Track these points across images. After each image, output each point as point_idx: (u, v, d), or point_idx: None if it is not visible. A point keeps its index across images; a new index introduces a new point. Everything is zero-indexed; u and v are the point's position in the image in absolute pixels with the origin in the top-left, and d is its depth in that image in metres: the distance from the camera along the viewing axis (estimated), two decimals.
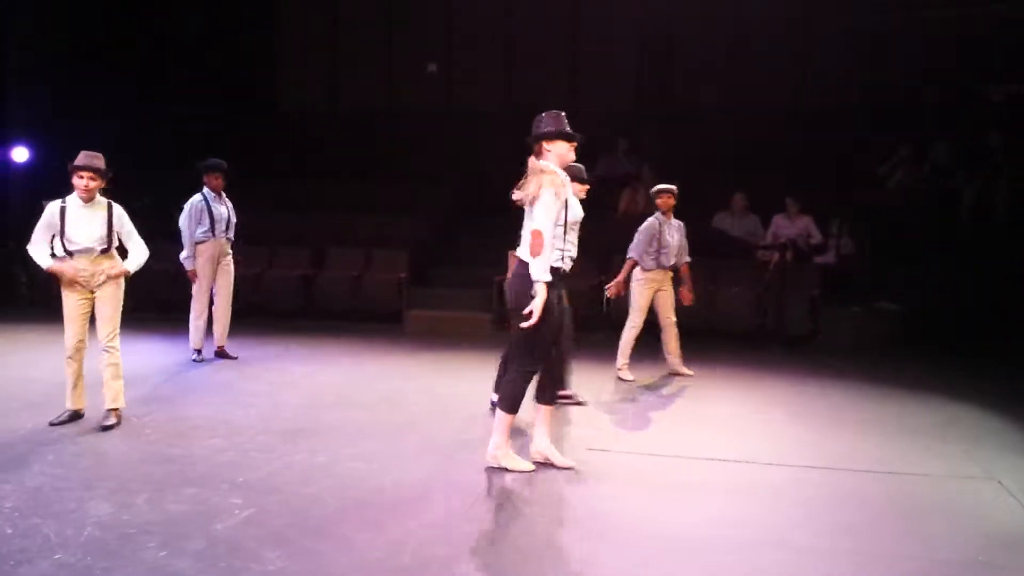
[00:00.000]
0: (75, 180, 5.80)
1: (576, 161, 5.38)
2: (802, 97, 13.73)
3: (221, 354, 8.54)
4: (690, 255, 8.18)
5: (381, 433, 5.89)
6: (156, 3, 13.89)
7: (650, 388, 7.75)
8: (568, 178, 5.02)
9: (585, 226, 5.26)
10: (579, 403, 6.81)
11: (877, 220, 11.64)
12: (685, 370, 8.20)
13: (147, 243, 6.11)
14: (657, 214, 7.88)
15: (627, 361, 7.99)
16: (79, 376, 5.92)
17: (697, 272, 10.78)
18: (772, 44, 13.60)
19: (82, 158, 5.82)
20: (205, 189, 8.35)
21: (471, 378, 7.58)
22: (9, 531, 3.94)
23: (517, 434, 5.49)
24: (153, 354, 8.47)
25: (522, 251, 4.91)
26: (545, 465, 5.18)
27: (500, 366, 6.29)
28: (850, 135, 12.64)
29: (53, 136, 12.03)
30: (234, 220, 8.52)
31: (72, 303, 5.86)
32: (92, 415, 5.96)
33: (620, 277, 7.87)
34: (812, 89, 13.70)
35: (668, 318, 8.10)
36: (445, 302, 11.06)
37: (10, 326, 10.08)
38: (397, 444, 5.64)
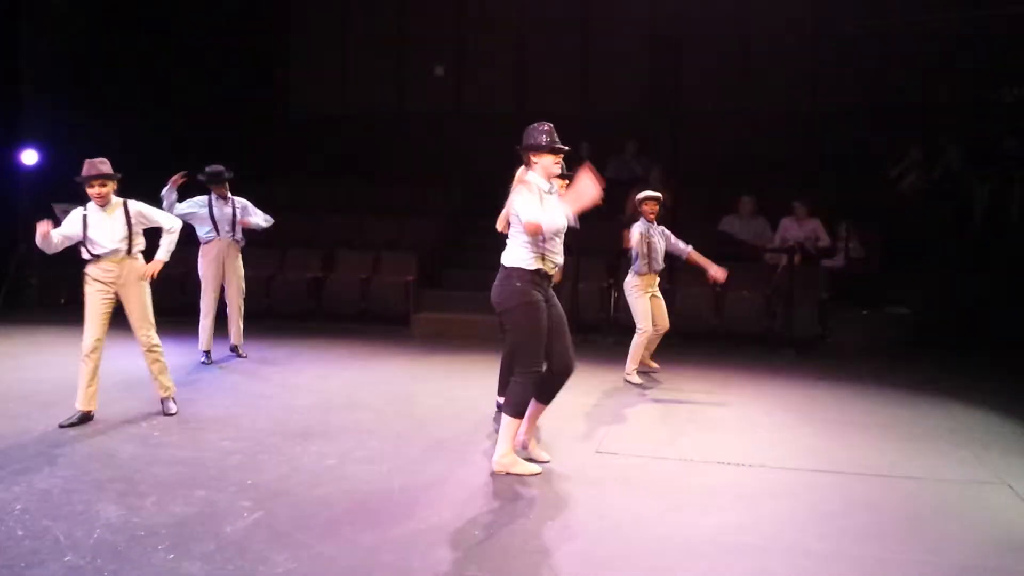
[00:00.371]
0: (88, 191, 5.93)
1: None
2: (812, 99, 13.71)
3: (234, 351, 8.70)
4: (711, 266, 8.06)
5: (390, 435, 5.89)
6: (167, 7, 13.92)
7: (659, 391, 7.74)
8: (550, 186, 5.08)
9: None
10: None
11: (887, 223, 11.61)
12: (653, 364, 8.30)
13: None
14: (642, 220, 7.91)
15: (636, 367, 8.00)
16: (92, 377, 5.96)
17: (705, 276, 10.81)
18: (782, 46, 13.57)
19: (87, 168, 5.93)
20: (212, 194, 8.43)
21: (480, 381, 7.57)
22: (20, 533, 3.95)
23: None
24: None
25: (505, 257, 5.05)
26: (557, 470, 5.19)
27: (502, 370, 6.32)
28: (860, 138, 12.60)
29: (63, 139, 12.08)
30: (250, 219, 8.52)
31: (94, 302, 5.98)
32: (100, 416, 5.98)
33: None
34: (822, 91, 13.68)
35: (666, 324, 8.13)
36: (454, 304, 11.07)
37: (20, 328, 10.13)
38: (406, 446, 5.64)
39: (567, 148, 5.11)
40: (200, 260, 8.47)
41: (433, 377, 8.05)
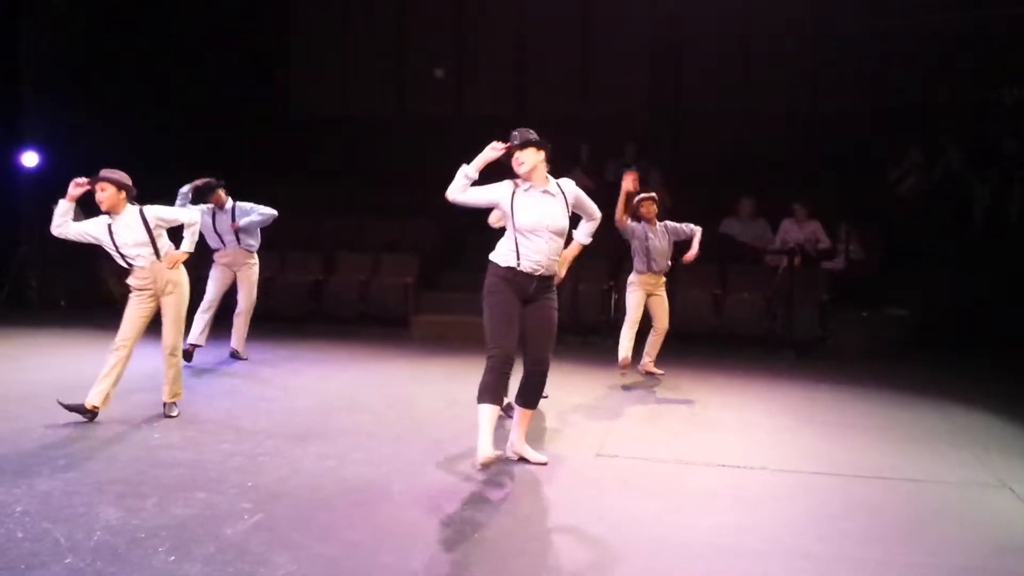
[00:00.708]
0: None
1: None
2: (812, 101, 13.70)
3: (235, 355, 8.67)
4: (694, 247, 8.08)
5: (390, 437, 5.89)
6: (167, 7, 13.92)
7: (658, 393, 7.74)
8: (529, 184, 5.10)
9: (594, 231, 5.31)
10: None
11: (887, 225, 11.61)
12: (657, 370, 8.28)
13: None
14: (642, 222, 7.96)
15: (628, 352, 7.85)
16: (110, 374, 5.98)
17: (706, 277, 10.83)
18: (782, 47, 13.56)
19: (95, 178, 6.02)
20: (210, 205, 8.44)
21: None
22: (20, 535, 3.95)
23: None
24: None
25: (492, 254, 5.17)
26: (556, 472, 5.20)
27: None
28: (860, 139, 12.60)
29: (63, 140, 12.10)
30: (241, 221, 8.50)
31: (133, 305, 6.11)
32: (100, 418, 5.98)
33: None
34: (822, 93, 13.68)
35: (662, 324, 8.15)
36: (454, 306, 11.05)
37: (20, 330, 10.12)
38: (406, 448, 5.64)
39: (513, 144, 5.08)
40: (213, 266, 8.58)
41: (433, 379, 8.05)
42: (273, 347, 9.44)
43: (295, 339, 10.13)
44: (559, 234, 5.08)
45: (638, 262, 8.00)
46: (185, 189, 8.10)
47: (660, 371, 8.28)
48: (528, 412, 5.34)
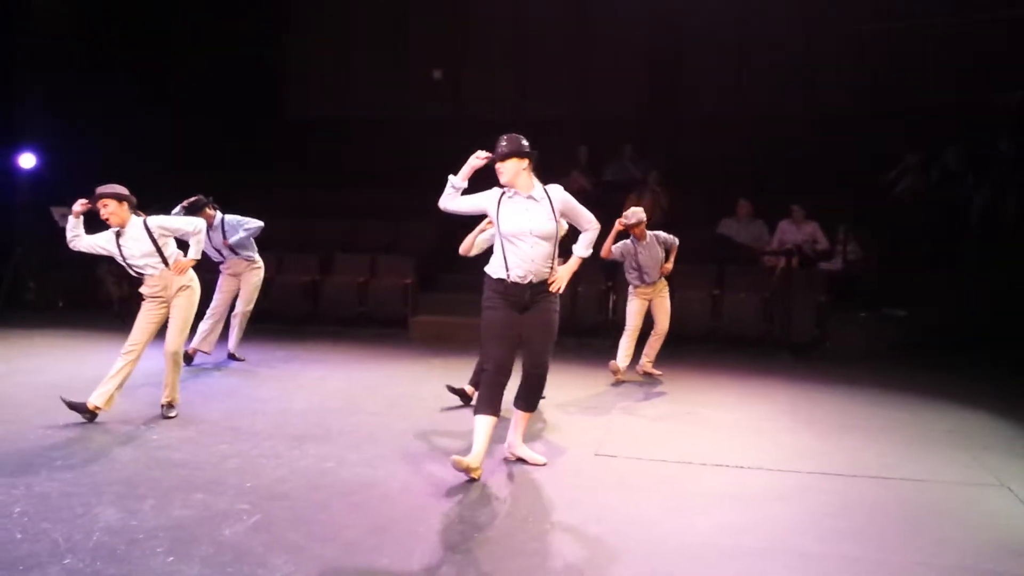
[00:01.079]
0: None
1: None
2: (810, 102, 13.70)
3: (232, 357, 8.70)
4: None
5: (388, 438, 5.89)
6: (166, 9, 13.92)
7: (657, 394, 7.75)
8: (513, 191, 5.11)
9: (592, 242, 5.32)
10: (464, 396, 6.92)
11: (885, 226, 11.62)
12: (655, 371, 8.35)
13: None
14: (631, 238, 8.02)
15: (626, 366, 8.11)
16: (119, 375, 6.01)
17: (703, 278, 10.84)
18: (780, 49, 13.58)
19: (94, 197, 6.07)
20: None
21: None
22: (18, 536, 3.94)
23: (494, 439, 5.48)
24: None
25: (487, 267, 5.22)
26: (556, 472, 5.21)
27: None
28: (858, 140, 12.60)
29: (60, 142, 12.09)
30: (231, 239, 8.51)
31: (144, 311, 6.20)
32: (99, 419, 5.97)
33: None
34: (819, 95, 13.68)
35: (662, 326, 8.24)
36: (452, 307, 11.06)
37: (17, 332, 10.10)
38: (404, 450, 5.63)
39: (494, 156, 5.11)
40: (220, 275, 8.67)
41: (431, 380, 8.04)
42: (271, 348, 9.44)
43: (293, 340, 10.14)
44: (544, 238, 5.06)
45: (631, 277, 8.16)
46: (176, 210, 8.07)
47: (659, 372, 8.31)
48: (527, 414, 5.36)
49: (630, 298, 8.22)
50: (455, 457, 4.94)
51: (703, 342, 10.25)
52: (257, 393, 7.31)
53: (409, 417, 6.54)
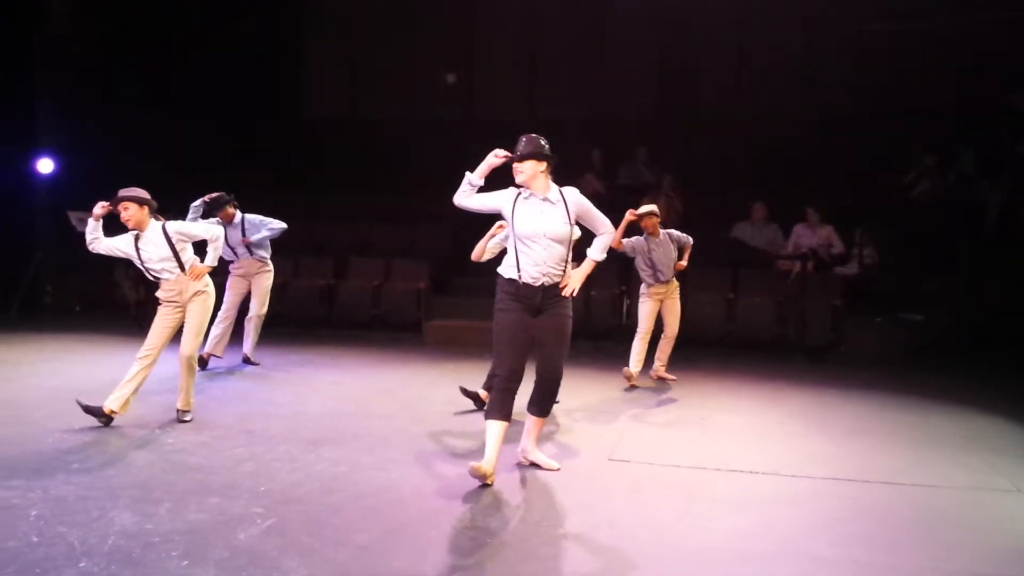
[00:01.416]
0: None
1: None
2: (825, 106, 13.64)
3: (246, 361, 8.73)
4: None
5: (401, 442, 5.91)
6: (181, 15, 13.99)
7: (671, 398, 7.74)
8: (529, 192, 5.12)
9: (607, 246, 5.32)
10: (478, 400, 6.93)
11: (901, 229, 11.57)
12: (669, 375, 8.35)
13: None
14: (645, 235, 8.00)
15: (639, 370, 8.10)
16: (133, 380, 6.06)
17: (717, 282, 10.81)
18: (795, 52, 13.54)
19: (115, 200, 6.11)
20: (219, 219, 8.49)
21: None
22: (35, 539, 3.98)
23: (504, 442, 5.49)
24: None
25: (500, 267, 5.24)
26: (569, 477, 5.22)
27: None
28: (874, 143, 12.55)
29: (78, 147, 12.17)
30: (252, 237, 8.55)
31: (160, 316, 6.25)
32: (114, 423, 6.01)
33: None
34: (836, 98, 13.61)
35: (672, 330, 8.24)
36: (466, 311, 11.06)
37: (35, 335, 10.18)
38: (417, 453, 5.65)
39: (512, 156, 5.13)
40: (229, 276, 8.66)
41: (445, 384, 8.05)
42: (285, 352, 9.48)
43: (307, 344, 10.18)
44: (558, 241, 5.07)
45: (645, 276, 8.11)
46: (197, 203, 8.14)
47: (672, 376, 8.30)
48: (540, 419, 5.36)
49: (642, 300, 8.20)
50: (472, 464, 4.95)
51: (717, 346, 10.23)
52: (271, 397, 7.34)
53: (422, 421, 6.55)
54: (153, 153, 12.13)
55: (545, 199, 5.09)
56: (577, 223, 5.23)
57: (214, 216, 8.40)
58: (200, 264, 6.33)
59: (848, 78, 13.41)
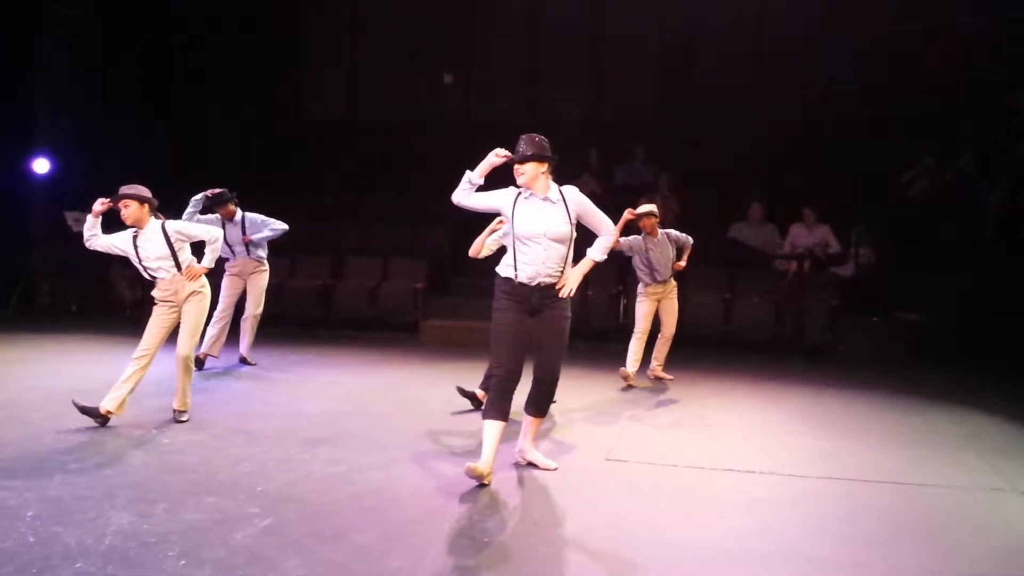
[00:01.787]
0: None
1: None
2: (822, 105, 13.66)
3: (243, 362, 8.72)
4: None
5: (399, 442, 5.89)
6: (180, 16, 13.98)
7: (668, 398, 7.74)
8: (530, 192, 5.10)
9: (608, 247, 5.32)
10: (475, 400, 6.91)
11: (898, 229, 11.57)
12: (666, 375, 8.37)
13: None
14: (643, 235, 8.00)
15: (636, 367, 8.11)
16: (128, 380, 6.05)
17: (714, 282, 10.81)
18: (792, 52, 13.54)
19: (116, 197, 6.12)
20: (220, 216, 8.47)
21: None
22: (31, 539, 3.96)
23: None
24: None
25: (498, 267, 5.23)
26: (567, 477, 5.21)
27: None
28: (871, 143, 12.56)
29: (75, 148, 12.15)
30: (255, 236, 8.53)
31: (156, 316, 6.25)
32: (111, 423, 6.00)
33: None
34: (832, 97, 13.64)
35: (669, 330, 8.24)
36: (463, 311, 11.07)
37: (31, 335, 10.16)
38: (415, 453, 5.64)
39: (513, 158, 5.11)
40: (224, 276, 8.61)
41: (442, 384, 8.03)
42: (282, 352, 9.47)
43: (304, 344, 10.17)
44: (558, 241, 5.05)
45: (642, 275, 8.11)
46: (198, 197, 8.13)
47: (669, 376, 8.30)
48: (537, 420, 5.36)
49: (639, 299, 8.20)
50: (469, 464, 4.95)
51: (714, 346, 10.22)
52: (268, 397, 7.33)
53: (420, 421, 6.54)
54: (152, 153, 12.12)
55: (545, 199, 5.08)
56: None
57: (214, 212, 8.39)
58: (197, 265, 6.31)
59: (848, 78, 13.42)
